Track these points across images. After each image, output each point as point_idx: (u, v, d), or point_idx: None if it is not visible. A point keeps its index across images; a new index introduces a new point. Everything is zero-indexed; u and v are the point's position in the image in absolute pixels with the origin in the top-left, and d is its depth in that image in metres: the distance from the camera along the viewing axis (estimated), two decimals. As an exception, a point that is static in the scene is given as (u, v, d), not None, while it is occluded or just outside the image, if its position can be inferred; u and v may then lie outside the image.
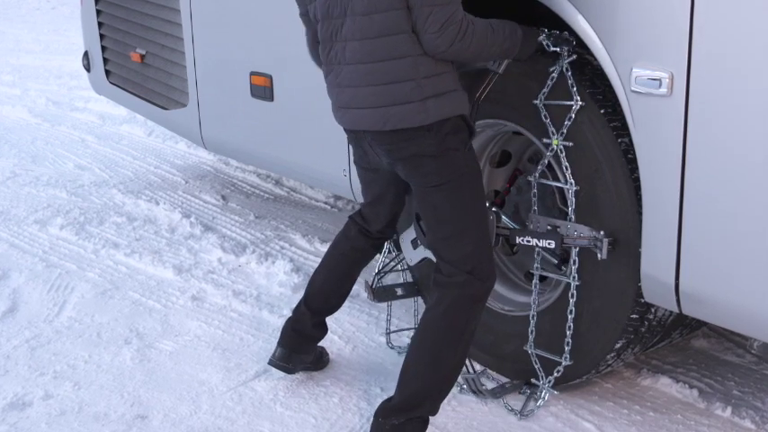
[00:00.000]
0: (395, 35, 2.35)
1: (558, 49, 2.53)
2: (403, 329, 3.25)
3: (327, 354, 3.09)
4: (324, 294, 2.92)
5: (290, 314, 2.97)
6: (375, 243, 2.89)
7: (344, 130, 2.60)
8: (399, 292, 3.08)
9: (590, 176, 2.54)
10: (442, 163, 2.44)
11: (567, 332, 2.65)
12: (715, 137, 2.21)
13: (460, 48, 2.36)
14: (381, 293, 3.06)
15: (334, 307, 2.96)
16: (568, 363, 2.67)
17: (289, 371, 2.94)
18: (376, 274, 3.11)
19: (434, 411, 2.55)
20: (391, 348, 3.17)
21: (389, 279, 3.17)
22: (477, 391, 2.82)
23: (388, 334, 3.20)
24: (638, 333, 2.63)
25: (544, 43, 2.53)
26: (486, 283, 2.49)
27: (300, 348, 2.94)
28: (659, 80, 2.28)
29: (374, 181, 2.75)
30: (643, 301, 2.51)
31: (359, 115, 2.47)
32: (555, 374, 2.70)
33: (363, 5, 2.37)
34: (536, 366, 2.75)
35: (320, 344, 3.06)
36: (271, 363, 2.94)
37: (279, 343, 2.95)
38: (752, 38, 2.11)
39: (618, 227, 2.50)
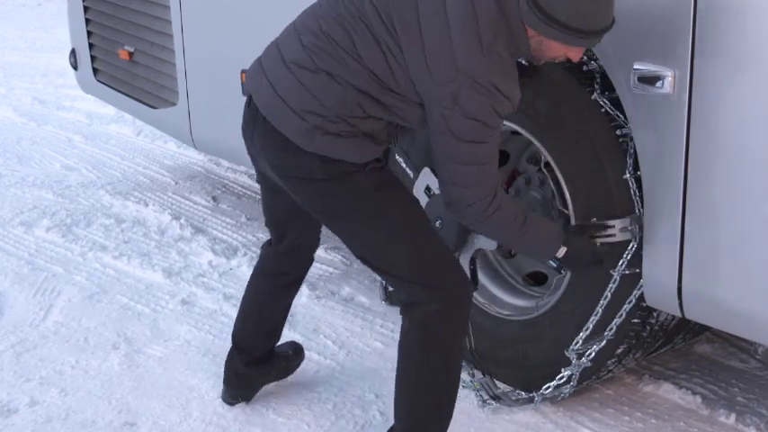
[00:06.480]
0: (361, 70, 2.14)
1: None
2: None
3: (300, 352, 2.87)
4: (246, 334, 2.71)
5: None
6: (288, 270, 2.63)
7: (245, 107, 2.35)
8: None
9: (591, 176, 2.49)
10: (337, 186, 2.20)
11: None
12: (718, 136, 2.19)
13: (466, 220, 2.23)
14: (395, 297, 3.01)
15: (261, 347, 2.73)
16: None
17: (238, 402, 2.78)
18: None
19: None
20: None
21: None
22: (493, 395, 2.74)
23: None
24: (639, 338, 2.59)
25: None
26: (453, 292, 2.25)
27: (244, 384, 2.76)
28: (661, 78, 2.23)
29: (269, 197, 2.50)
30: (645, 305, 2.48)
31: (265, 86, 2.23)
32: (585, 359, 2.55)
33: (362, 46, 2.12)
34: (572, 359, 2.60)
35: (312, 347, 2.98)
36: (222, 399, 2.81)
37: (224, 380, 2.78)
38: (756, 35, 2.08)
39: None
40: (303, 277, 2.73)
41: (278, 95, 2.20)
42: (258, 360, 2.75)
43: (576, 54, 2.15)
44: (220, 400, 2.84)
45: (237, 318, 2.76)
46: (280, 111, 2.20)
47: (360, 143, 2.19)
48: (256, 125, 2.28)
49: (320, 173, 2.19)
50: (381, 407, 2.80)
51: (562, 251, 2.30)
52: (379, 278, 3.00)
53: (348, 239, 2.34)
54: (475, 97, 2.06)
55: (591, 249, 2.38)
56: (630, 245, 2.44)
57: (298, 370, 2.93)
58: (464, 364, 2.56)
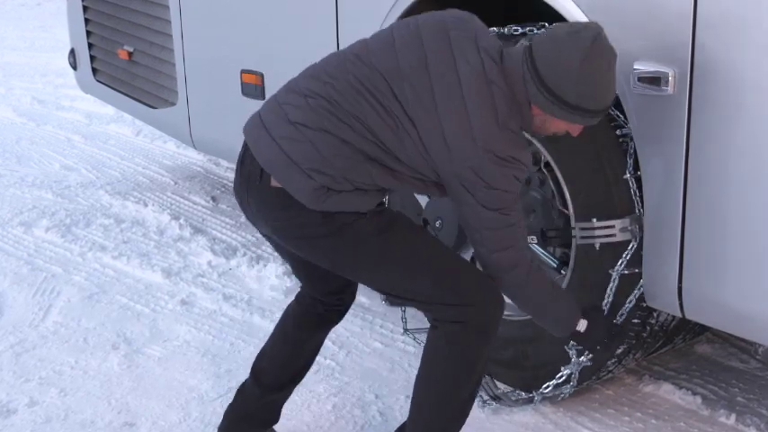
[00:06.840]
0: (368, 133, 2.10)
1: None
2: (420, 329, 3.16)
3: None
4: (275, 368, 2.53)
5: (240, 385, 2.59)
6: (331, 309, 2.49)
7: (239, 164, 2.27)
8: None
9: (591, 176, 2.49)
10: (338, 240, 2.16)
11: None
12: (719, 136, 2.18)
13: (510, 287, 2.21)
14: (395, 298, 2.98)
15: (288, 383, 2.56)
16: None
17: None
18: None
19: None
20: (412, 339, 3.05)
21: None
22: (493, 395, 2.73)
23: (406, 330, 3.07)
24: (639, 338, 2.59)
25: None
26: (485, 308, 2.22)
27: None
28: (661, 78, 2.23)
29: (281, 252, 2.38)
30: (645, 305, 2.47)
31: (268, 142, 2.15)
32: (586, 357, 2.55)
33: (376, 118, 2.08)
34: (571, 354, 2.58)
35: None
36: None
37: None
38: (756, 35, 2.07)
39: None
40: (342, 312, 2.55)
41: (282, 151, 2.12)
42: (275, 408, 2.61)
43: (576, 129, 2.21)
44: (220, 400, 2.83)
45: (266, 350, 2.57)
46: (285, 167, 2.12)
47: (363, 195, 2.16)
48: (251, 186, 2.20)
49: (322, 229, 2.14)
50: (381, 407, 2.80)
51: (583, 324, 2.32)
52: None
53: (364, 283, 2.33)
54: (497, 170, 2.11)
55: (607, 325, 2.40)
56: (630, 245, 2.44)
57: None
58: None
